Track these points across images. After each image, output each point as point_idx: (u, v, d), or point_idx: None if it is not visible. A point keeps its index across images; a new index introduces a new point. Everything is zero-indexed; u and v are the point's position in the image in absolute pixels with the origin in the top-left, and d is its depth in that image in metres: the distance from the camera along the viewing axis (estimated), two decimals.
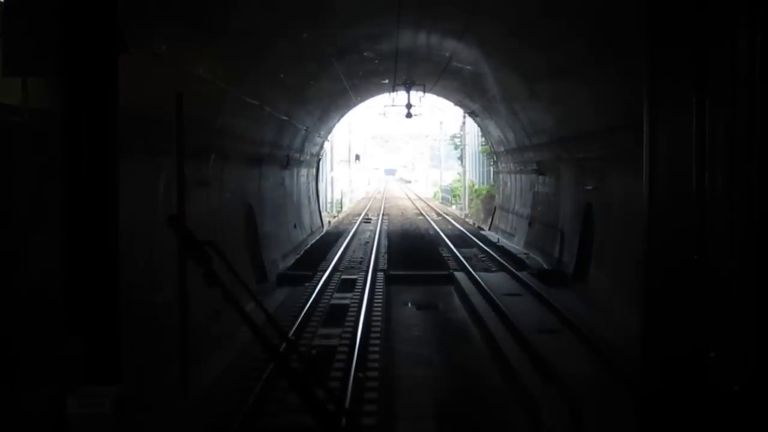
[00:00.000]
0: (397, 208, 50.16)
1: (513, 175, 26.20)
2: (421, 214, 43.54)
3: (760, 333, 1.71)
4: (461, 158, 62.86)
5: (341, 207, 52.28)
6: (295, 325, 11.96)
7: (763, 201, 1.72)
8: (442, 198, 65.03)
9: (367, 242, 26.21)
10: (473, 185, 49.40)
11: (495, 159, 31.90)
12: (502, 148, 27.76)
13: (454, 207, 54.52)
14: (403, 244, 25.60)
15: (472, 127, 52.79)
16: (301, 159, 25.82)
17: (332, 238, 27.41)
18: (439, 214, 43.30)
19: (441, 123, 67.91)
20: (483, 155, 44.01)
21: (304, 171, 27.18)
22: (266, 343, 1.98)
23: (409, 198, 67.45)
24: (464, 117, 49.31)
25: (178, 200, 2.57)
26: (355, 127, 68.44)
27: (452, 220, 37.78)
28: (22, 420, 3.49)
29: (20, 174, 4.55)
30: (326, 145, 42.97)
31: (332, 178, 51.53)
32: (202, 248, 1.93)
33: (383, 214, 42.24)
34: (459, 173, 70.51)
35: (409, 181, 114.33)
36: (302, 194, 26.63)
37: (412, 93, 26.98)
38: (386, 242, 26.01)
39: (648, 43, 2.37)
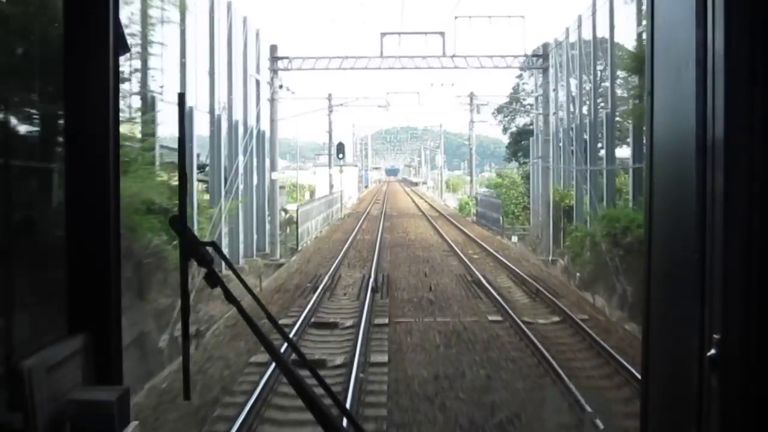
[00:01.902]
0: (408, 251, 23.84)
1: None
2: (474, 280, 17.35)
3: (761, 332, 1.69)
4: (514, 146, 36.63)
5: (298, 244, 26.35)
6: None
7: (764, 197, 1.69)
8: (477, 215, 39.06)
9: None
10: (563, 196, 23.75)
11: None
12: None
13: (515, 239, 28.52)
14: None
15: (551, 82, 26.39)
16: None
17: None
18: (527, 288, 17.12)
19: (471, 95, 42.97)
20: (630, 126, 17.70)
21: None
22: (268, 343, 1.94)
23: (424, 214, 41.20)
24: (547, 48, 22.32)
25: (179, 200, 2.20)
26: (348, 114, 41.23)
27: (620, 357, 11.81)
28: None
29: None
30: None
31: (273, 186, 25.20)
32: (203, 249, 1.94)
33: (380, 287, 15.98)
34: (497, 173, 45.47)
35: (416, 184, 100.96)
36: None
37: None
38: None
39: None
